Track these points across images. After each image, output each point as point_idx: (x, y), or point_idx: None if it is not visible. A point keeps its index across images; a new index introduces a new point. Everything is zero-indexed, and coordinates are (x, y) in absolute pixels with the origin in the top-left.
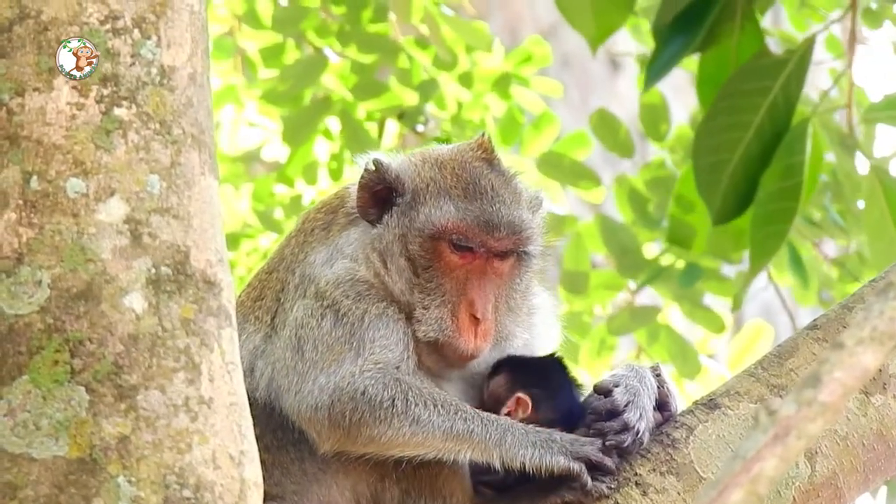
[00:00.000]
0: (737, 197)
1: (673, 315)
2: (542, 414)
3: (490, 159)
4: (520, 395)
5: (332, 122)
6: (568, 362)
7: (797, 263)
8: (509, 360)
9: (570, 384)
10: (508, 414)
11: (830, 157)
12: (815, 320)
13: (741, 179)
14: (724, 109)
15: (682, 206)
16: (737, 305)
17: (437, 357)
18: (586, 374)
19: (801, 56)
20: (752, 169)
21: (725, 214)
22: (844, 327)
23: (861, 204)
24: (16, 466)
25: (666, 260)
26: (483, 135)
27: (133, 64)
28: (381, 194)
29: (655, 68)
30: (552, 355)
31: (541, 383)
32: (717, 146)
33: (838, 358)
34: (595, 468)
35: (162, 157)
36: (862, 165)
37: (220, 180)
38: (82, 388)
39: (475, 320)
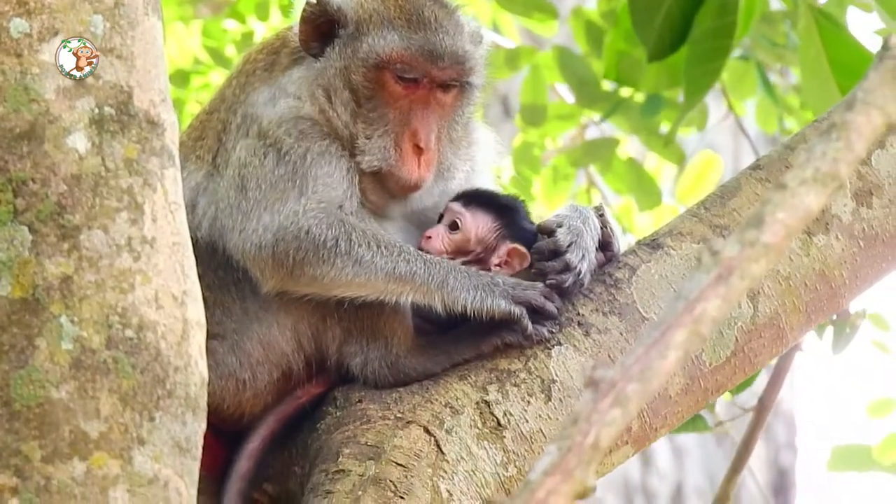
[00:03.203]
0: (672, 34)
1: (628, 147)
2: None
3: None
4: (518, 246)
5: None
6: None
7: (766, 84)
8: (484, 196)
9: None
10: (500, 266)
11: None
12: (757, 160)
13: (676, 17)
14: None
15: (621, 37)
16: (670, 138)
17: (381, 189)
18: (542, 208)
19: None
20: (687, 6)
21: (660, 51)
22: (787, 168)
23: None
24: None
25: (625, 92)
26: None
27: None
28: (323, 28)
29: None
30: (517, 199)
31: (525, 234)
32: None
33: (781, 199)
34: (537, 312)
35: None
36: None
37: (168, 19)
38: (25, 228)
39: (418, 150)
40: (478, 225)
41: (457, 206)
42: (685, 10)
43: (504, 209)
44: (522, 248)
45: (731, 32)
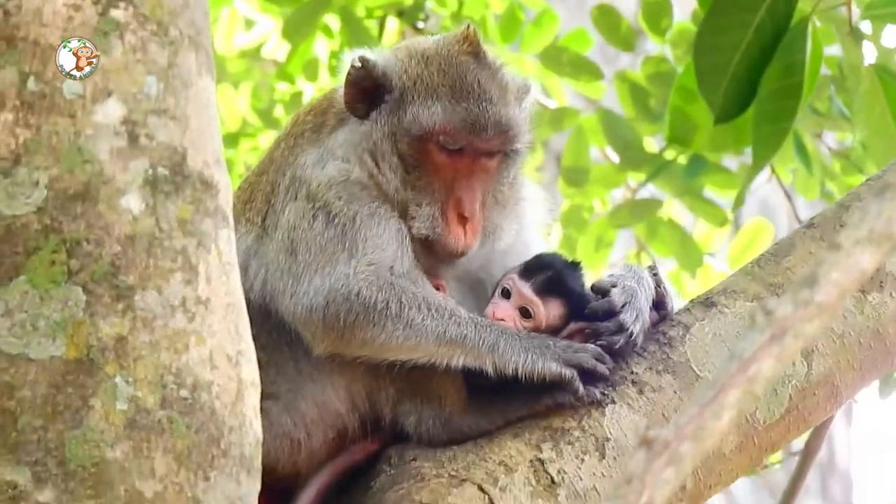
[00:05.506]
0: (738, 96)
1: (673, 210)
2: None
3: (476, 52)
4: (581, 325)
5: (332, 20)
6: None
7: (802, 152)
8: (554, 282)
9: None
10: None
11: (836, 50)
12: (811, 219)
13: (743, 78)
14: (724, 9)
15: (685, 97)
16: (738, 203)
17: (429, 254)
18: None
19: None
20: (754, 68)
21: (727, 113)
22: (841, 226)
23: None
24: (13, 367)
25: (669, 154)
26: (468, 26)
27: None
28: (368, 90)
29: None
30: (578, 267)
31: (585, 304)
32: (717, 46)
33: (835, 259)
34: (588, 374)
35: (159, 59)
36: (869, 56)
37: (218, 80)
38: (79, 289)
39: (463, 218)
40: (549, 314)
41: (528, 292)
42: (751, 72)
43: (573, 295)
44: (585, 326)
45: (797, 93)
